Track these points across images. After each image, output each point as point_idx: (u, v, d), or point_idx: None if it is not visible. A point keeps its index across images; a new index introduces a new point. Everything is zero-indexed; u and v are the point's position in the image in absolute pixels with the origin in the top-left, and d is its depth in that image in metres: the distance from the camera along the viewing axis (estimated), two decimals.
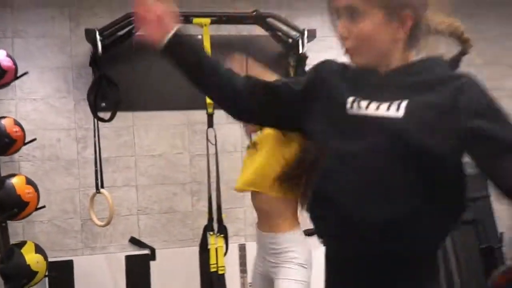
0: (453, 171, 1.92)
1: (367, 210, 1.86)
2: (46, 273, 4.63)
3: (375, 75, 1.98)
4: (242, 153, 5.46)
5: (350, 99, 1.98)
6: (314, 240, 4.78)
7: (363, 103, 1.94)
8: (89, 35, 4.92)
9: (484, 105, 1.80)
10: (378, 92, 1.94)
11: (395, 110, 1.86)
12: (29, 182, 4.60)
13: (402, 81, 1.94)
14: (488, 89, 1.82)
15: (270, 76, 2.97)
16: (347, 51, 1.96)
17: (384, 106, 1.89)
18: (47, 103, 5.29)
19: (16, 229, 5.15)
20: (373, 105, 1.92)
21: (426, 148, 1.79)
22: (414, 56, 1.98)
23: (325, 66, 2.19)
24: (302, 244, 3.53)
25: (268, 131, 3.51)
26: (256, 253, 3.77)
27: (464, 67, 6.10)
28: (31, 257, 4.46)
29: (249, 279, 5.25)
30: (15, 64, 4.76)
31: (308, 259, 3.51)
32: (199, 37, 5.06)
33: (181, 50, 2.20)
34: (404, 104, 1.85)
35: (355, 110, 1.96)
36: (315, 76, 2.17)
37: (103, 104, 5.08)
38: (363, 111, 1.93)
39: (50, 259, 4.72)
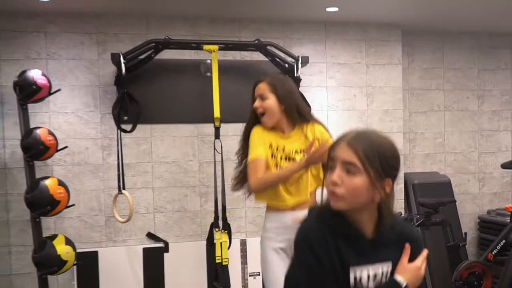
0: None
1: None
2: (75, 262, 4.61)
3: (364, 240, 2.04)
4: None
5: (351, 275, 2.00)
6: None
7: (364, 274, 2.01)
8: (114, 58, 4.93)
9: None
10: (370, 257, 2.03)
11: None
12: (60, 183, 4.59)
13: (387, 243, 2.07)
14: None
15: None
16: (333, 195, 1.95)
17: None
18: (77, 116, 5.28)
19: (49, 224, 5.14)
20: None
21: None
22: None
23: (313, 243, 1.98)
24: None
25: None
26: (278, 234, 3.59)
27: (435, 92, 6.10)
28: (61, 248, 4.44)
29: (249, 269, 5.25)
30: (49, 82, 4.78)
31: None
32: (208, 61, 5.06)
33: None
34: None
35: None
36: (313, 256, 1.97)
37: (126, 118, 5.07)
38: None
39: (78, 250, 4.71)
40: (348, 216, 2.00)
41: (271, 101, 3.50)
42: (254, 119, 3.64)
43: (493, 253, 5.08)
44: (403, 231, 2.13)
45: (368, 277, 2.02)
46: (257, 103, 3.55)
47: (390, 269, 2.04)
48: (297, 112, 3.56)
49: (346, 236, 1.99)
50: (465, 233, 5.90)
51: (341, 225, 2.00)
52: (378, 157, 1.97)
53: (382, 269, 2.04)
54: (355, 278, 1.99)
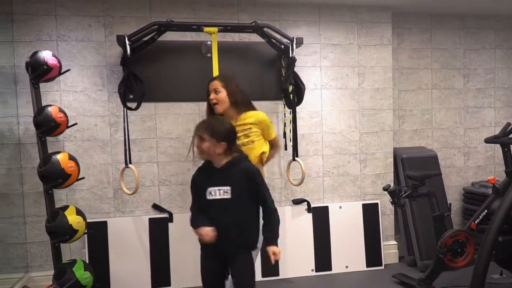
0: None
1: None
2: (85, 231, 4.68)
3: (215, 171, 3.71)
4: None
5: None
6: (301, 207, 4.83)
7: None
8: (120, 40, 4.97)
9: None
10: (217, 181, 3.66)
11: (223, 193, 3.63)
12: (71, 158, 4.65)
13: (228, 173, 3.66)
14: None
15: None
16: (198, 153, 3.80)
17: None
18: (86, 95, 5.34)
19: (61, 196, 5.24)
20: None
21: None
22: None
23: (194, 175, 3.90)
24: None
25: None
26: None
27: (423, 71, 6.17)
28: (73, 218, 4.51)
29: None
30: (59, 62, 4.83)
31: None
32: (209, 42, 5.11)
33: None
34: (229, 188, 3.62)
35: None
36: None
37: (131, 96, 5.11)
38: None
39: (88, 220, 4.78)
40: (210, 161, 3.72)
41: (223, 94, 4.39)
42: (209, 109, 4.55)
43: (476, 222, 5.12)
44: (244, 169, 3.65)
45: (216, 191, 3.62)
46: (212, 96, 4.42)
47: (229, 188, 3.59)
48: (240, 104, 4.43)
49: (206, 169, 3.74)
50: (450, 204, 5.96)
51: (206, 165, 3.76)
52: (212, 131, 3.59)
53: (224, 188, 3.60)
54: (209, 193, 3.64)
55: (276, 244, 3.67)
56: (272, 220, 3.72)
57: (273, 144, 4.67)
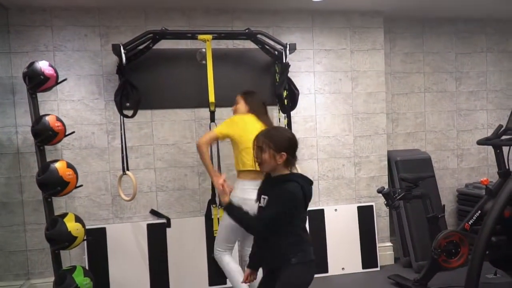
0: None
1: None
2: (84, 238, 4.66)
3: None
4: None
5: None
6: None
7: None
8: (115, 49, 4.96)
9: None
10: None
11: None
12: (69, 166, 4.63)
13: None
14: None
15: None
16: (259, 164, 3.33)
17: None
18: (83, 103, 5.34)
19: (60, 203, 5.23)
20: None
21: None
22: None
23: None
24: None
25: None
26: None
27: (415, 75, 6.15)
28: (72, 225, 4.50)
29: None
30: (56, 72, 4.82)
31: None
32: (203, 50, 5.11)
33: (232, 209, 3.25)
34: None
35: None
36: None
37: (127, 104, 5.11)
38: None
39: (87, 227, 4.78)
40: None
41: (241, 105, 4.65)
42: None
43: (470, 223, 5.12)
44: (282, 187, 3.20)
45: (262, 199, 3.28)
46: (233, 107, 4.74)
47: (267, 197, 3.23)
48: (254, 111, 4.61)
49: (266, 179, 3.37)
50: (444, 205, 5.98)
51: (267, 175, 3.38)
52: (272, 141, 3.22)
53: (265, 197, 3.25)
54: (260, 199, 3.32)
55: (225, 210, 3.31)
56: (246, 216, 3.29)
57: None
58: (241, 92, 4.74)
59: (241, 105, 4.64)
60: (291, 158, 3.29)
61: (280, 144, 3.24)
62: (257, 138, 3.34)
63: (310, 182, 3.33)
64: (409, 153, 6.32)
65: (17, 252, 5.22)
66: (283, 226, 3.21)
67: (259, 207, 3.32)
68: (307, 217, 4.65)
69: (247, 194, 4.14)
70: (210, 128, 4.92)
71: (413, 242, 5.89)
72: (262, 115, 4.60)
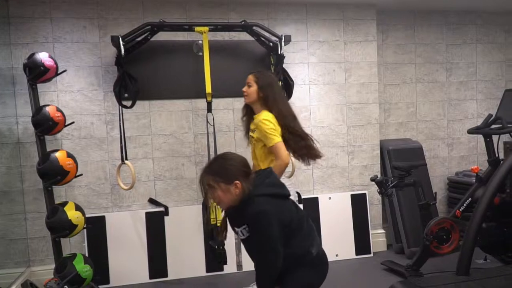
0: None
1: None
2: (84, 226, 4.67)
3: None
4: (234, 133, 5.56)
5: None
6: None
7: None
8: (114, 40, 4.96)
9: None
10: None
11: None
12: (69, 155, 4.63)
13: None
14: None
15: None
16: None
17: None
18: (82, 94, 5.33)
19: (60, 192, 5.23)
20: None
21: None
22: None
23: None
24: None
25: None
26: None
27: (407, 66, 6.16)
28: (72, 214, 4.50)
29: None
30: (56, 63, 4.80)
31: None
32: (200, 41, 5.10)
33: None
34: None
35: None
36: None
37: (126, 95, 5.12)
38: None
39: (87, 215, 4.77)
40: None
41: (253, 88, 4.21)
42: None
43: (461, 210, 5.14)
44: (248, 214, 2.86)
45: (239, 232, 2.96)
46: (244, 88, 4.28)
47: (246, 226, 2.91)
48: (265, 101, 4.20)
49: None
50: (435, 193, 6.00)
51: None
52: (218, 175, 2.88)
53: (243, 226, 2.92)
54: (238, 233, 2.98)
55: None
56: (257, 275, 2.98)
57: (274, 154, 4.10)
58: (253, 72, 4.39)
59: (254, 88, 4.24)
60: (248, 181, 2.88)
61: (228, 174, 2.85)
62: (201, 178, 2.94)
63: (278, 186, 3.04)
64: (401, 142, 6.33)
65: (18, 240, 5.21)
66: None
67: (242, 240, 2.99)
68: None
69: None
70: (207, 118, 4.91)
71: (405, 229, 5.91)
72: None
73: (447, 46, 6.69)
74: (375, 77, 6.13)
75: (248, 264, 5.41)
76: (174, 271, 5.48)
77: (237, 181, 2.83)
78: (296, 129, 4.16)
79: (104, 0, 5.32)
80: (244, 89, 4.27)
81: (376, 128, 6.16)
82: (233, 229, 3.03)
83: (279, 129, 4.06)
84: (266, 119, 4.05)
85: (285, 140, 4.09)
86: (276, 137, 4.00)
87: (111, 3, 5.34)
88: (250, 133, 4.29)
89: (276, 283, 2.99)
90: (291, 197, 3.49)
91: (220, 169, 2.89)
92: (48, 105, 4.73)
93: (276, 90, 4.27)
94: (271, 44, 5.39)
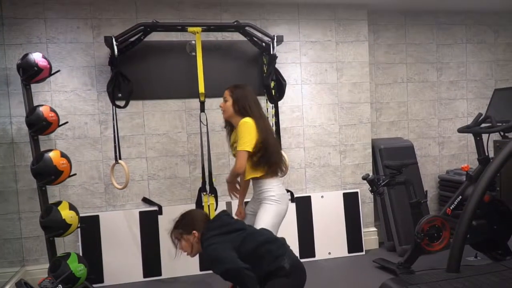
0: None
1: None
2: (78, 225, 4.66)
3: None
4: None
5: None
6: None
7: None
8: (107, 41, 4.95)
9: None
10: None
11: None
12: (63, 155, 4.62)
13: None
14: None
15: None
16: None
17: None
18: (76, 94, 5.31)
19: (54, 192, 5.22)
20: None
21: None
22: None
23: None
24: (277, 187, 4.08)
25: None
26: (250, 200, 4.38)
27: (398, 65, 6.16)
28: (66, 213, 4.49)
29: None
30: (49, 63, 4.79)
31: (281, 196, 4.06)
32: (193, 42, 5.10)
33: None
34: None
35: None
36: None
37: (119, 95, 5.10)
38: None
39: (81, 214, 4.77)
40: None
41: (228, 103, 4.19)
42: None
43: (451, 208, 5.16)
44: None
45: None
46: (221, 103, 4.27)
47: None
48: (242, 111, 4.13)
49: None
50: (426, 191, 6.01)
51: None
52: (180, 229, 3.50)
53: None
54: None
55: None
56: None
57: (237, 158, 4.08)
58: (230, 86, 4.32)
59: (229, 103, 4.20)
60: (203, 229, 3.40)
61: (187, 227, 3.45)
62: (170, 233, 3.56)
63: (227, 225, 3.40)
64: (393, 141, 6.34)
65: (12, 240, 5.19)
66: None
67: None
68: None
69: (282, 189, 4.13)
70: (200, 118, 4.90)
71: (397, 227, 5.92)
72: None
73: (437, 46, 6.71)
74: (366, 77, 6.14)
75: None
76: (168, 269, 5.47)
77: (195, 231, 3.40)
78: (270, 143, 4.11)
79: (98, 0, 5.31)
80: (221, 104, 4.26)
81: (367, 127, 6.17)
82: None
83: (254, 139, 4.01)
84: (247, 122, 4.02)
85: (256, 153, 4.05)
86: (246, 145, 3.98)
87: (104, 4, 5.33)
88: (235, 145, 4.20)
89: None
90: (284, 195, 4.07)
91: (181, 225, 3.50)
92: (42, 105, 4.71)
93: (251, 101, 4.18)
94: (263, 44, 5.39)
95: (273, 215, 4.00)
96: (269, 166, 4.06)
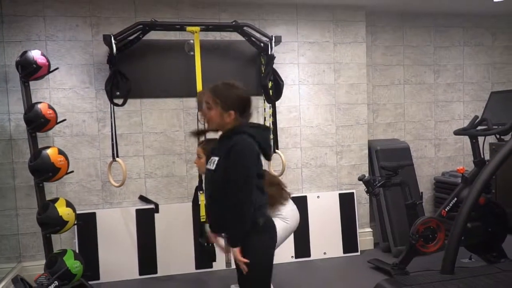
0: None
1: None
2: (75, 222, 4.67)
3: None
4: None
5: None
6: None
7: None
8: (106, 39, 4.95)
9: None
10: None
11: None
12: (60, 152, 4.63)
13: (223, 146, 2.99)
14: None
15: None
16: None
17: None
18: (74, 92, 5.31)
19: (51, 189, 5.21)
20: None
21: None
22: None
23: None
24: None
25: None
26: None
27: (396, 67, 6.16)
28: (63, 210, 4.51)
29: None
30: (48, 61, 4.80)
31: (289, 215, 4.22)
32: (191, 41, 5.10)
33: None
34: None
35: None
36: None
37: (118, 93, 5.09)
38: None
39: (77, 212, 4.79)
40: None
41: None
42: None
43: (446, 209, 5.16)
44: (233, 141, 2.89)
45: (211, 162, 3.03)
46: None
47: (217, 159, 2.96)
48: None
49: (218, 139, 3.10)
50: (422, 193, 6.02)
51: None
52: (219, 98, 2.95)
53: (214, 158, 3.00)
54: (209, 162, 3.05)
55: (235, 245, 2.95)
56: (230, 215, 2.91)
57: None
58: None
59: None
60: (240, 118, 2.98)
61: (228, 102, 2.94)
62: (205, 93, 3.07)
63: (263, 128, 3.13)
64: (389, 142, 6.35)
65: (9, 236, 5.18)
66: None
67: (208, 170, 3.03)
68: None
69: (287, 208, 4.35)
70: (197, 116, 4.90)
71: (392, 228, 5.93)
72: None
73: (435, 48, 6.72)
74: (364, 78, 6.14)
75: None
76: (164, 267, 5.47)
77: (232, 111, 2.94)
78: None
79: None
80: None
81: (364, 128, 6.18)
82: (206, 161, 3.18)
83: None
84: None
85: None
86: None
87: (103, 2, 5.33)
88: None
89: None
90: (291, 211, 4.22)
91: (222, 93, 2.97)
92: (40, 102, 4.71)
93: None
94: (261, 44, 5.39)
95: (279, 227, 3.78)
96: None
